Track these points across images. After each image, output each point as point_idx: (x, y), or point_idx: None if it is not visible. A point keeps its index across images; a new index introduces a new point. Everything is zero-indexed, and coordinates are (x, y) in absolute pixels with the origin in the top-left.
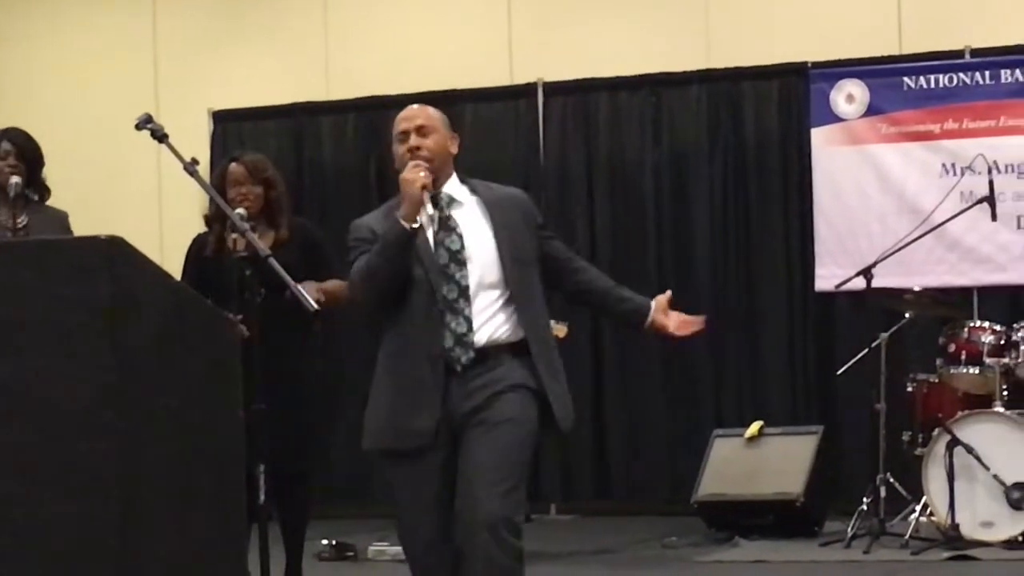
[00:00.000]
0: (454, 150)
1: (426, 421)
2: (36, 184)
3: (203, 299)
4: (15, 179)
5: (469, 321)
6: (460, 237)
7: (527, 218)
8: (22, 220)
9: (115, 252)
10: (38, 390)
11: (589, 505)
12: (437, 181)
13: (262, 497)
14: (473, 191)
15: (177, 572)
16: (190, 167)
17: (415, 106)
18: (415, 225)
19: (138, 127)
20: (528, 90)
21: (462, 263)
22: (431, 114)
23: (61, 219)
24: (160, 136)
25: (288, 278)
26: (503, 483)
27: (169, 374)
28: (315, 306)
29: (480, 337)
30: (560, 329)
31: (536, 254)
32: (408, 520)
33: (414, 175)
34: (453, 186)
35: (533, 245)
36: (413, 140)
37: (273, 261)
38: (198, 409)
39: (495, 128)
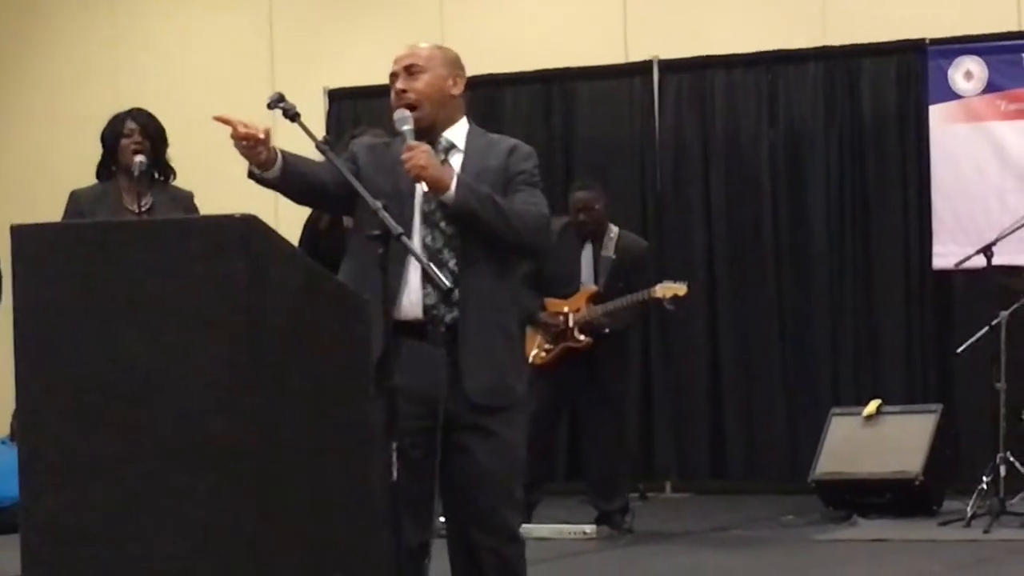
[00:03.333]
0: (456, 91)
1: None
2: (161, 164)
3: (334, 277)
4: (139, 158)
5: None
6: None
7: (501, 170)
8: (146, 202)
9: (249, 230)
10: (174, 368)
11: (705, 483)
12: (432, 126)
13: (395, 474)
14: (474, 137)
15: (314, 550)
16: (322, 145)
17: (412, 45)
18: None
19: (270, 106)
20: (643, 68)
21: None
22: (425, 53)
23: (186, 199)
24: (292, 115)
25: (422, 257)
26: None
27: (302, 352)
28: (447, 284)
29: None
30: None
31: None
32: None
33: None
34: (456, 132)
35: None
36: (400, 83)
37: (406, 239)
38: (331, 387)
39: (610, 106)
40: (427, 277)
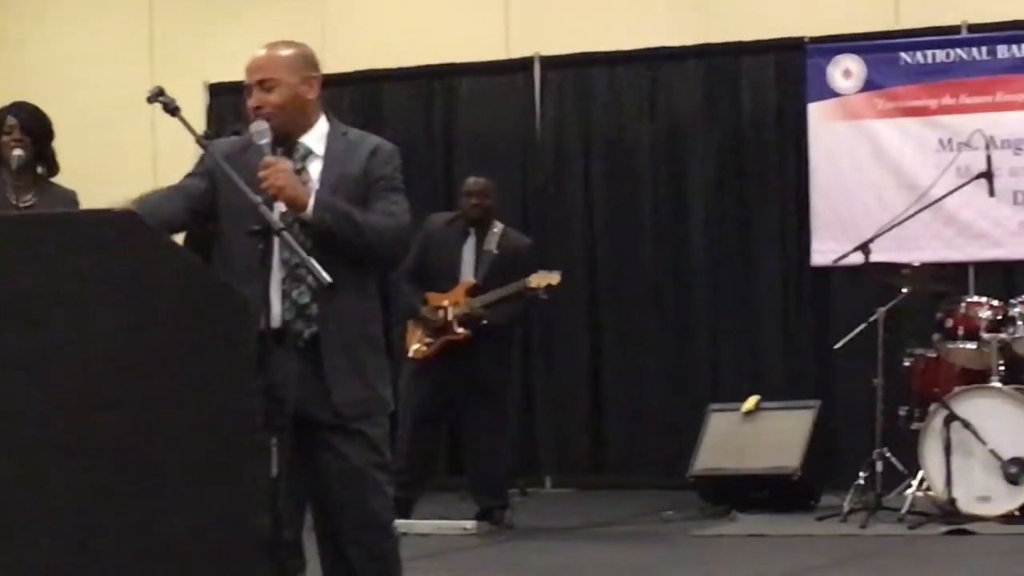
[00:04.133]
0: (311, 95)
1: None
2: (45, 159)
3: (217, 275)
4: (17, 152)
5: None
6: None
7: (360, 176)
8: (28, 199)
9: (130, 225)
10: (54, 363)
11: (585, 479)
12: (288, 134)
13: (274, 469)
14: (334, 140)
15: (194, 544)
16: (203, 140)
17: (260, 54)
18: None
19: (150, 100)
20: (525, 64)
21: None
22: (274, 63)
23: (69, 198)
24: (172, 109)
25: (302, 251)
26: None
27: (184, 347)
28: (329, 279)
29: None
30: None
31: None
32: None
33: None
34: (314, 136)
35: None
36: (255, 99)
37: (286, 235)
38: (212, 382)
39: (492, 102)
40: (308, 272)
